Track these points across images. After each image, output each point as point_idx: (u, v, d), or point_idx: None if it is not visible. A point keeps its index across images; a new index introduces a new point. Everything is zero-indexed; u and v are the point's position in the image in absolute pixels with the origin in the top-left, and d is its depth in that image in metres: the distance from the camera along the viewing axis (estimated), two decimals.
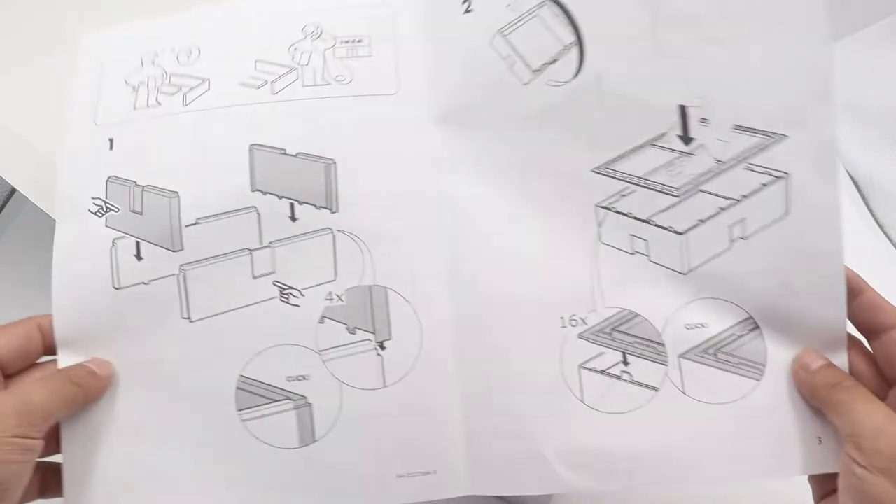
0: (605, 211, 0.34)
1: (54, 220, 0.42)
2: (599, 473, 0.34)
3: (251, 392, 0.35)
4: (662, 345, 0.34)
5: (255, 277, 0.35)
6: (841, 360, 0.33)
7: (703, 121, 0.33)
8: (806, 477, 0.35)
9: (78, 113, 0.37)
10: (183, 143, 0.36)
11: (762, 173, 0.33)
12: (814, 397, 0.33)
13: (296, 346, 0.35)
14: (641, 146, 0.34)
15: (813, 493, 0.35)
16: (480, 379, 0.35)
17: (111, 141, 0.36)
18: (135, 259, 0.35)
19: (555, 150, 0.35)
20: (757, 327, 0.34)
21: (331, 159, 0.35)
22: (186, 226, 0.35)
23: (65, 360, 0.34)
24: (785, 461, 0.33)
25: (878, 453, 0.29)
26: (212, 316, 0.35)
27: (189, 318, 0.35)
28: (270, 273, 0.35)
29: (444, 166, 0.35)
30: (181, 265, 0.35)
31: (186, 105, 0.36)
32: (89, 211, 0.35)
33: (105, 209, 0.35)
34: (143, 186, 0.35)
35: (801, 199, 0.33)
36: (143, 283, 0.35)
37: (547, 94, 0.34)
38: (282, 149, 0.35)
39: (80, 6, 0.49)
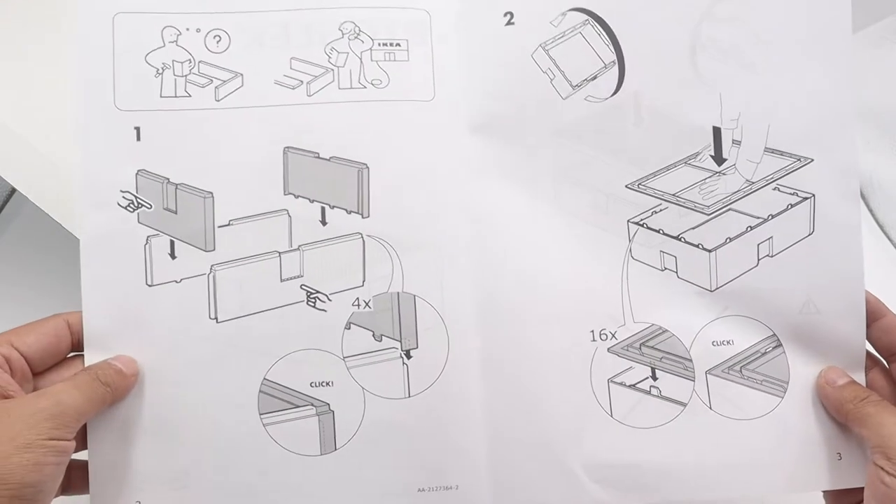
0: (637, 226, 0.35)
1: (54, 220, 0.42)
2: (627, 488, 0.34)
3: (274, 396, 0.34)
4: (690, 360, 0.35)
5: (283, 280, 0.35)
6: (860, 378, 0.35)
7: (736, 142, 0.35)
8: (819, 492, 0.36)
9: (93, 92, 0.35)
10: (216, 142, 0.35)
11: (789, 194, 0.34)
12: (840, 411, 0.34)
13: (321, 351, 0.35)
14: (675, 164, 0.35)
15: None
16: (506, 391, 0.35)
17: (138, 130, 0.35)
18: (169, 257, 0.35)
19: (589, 164, 0.35)
20: (780, 345, 0.35)
21: (364, 164, 0.35)
22: (219, 226, 0.35)
23: (92, 357, 0.34)
24: (807, 476, 0.34)
25: None
26: (239, 317, 0.35)
27: (216, 318, 0.35)
28: (298, 276, 0.35)
29: (476, 176, 0.35)
30: (212, 265, 0.35)
31: (219, 100, 0.35)
32: (119, 204, 0.35)
33: (136, 204, 0.35)
34: (177, 185, 0.35)
35: (824, 219, 0.34)
36: (175, 282, 0.35)
37: (585, 109, 0.35)
38: (315, 153, 0.35)
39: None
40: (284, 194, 0.35)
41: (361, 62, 0.36)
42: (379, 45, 0.36)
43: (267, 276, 0.35)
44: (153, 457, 0.34)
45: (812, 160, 0.34)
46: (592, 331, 0.35)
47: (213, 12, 0.36)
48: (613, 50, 0.35)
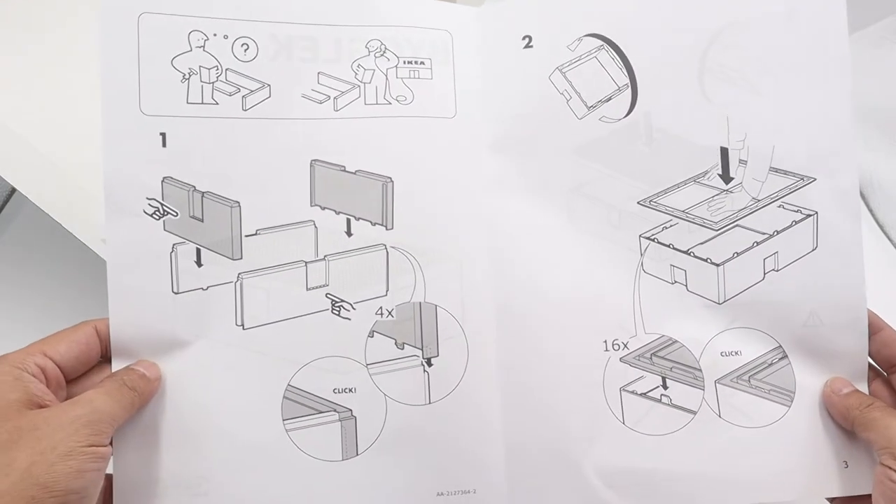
0: (649, 241, 0.36)
1: (54, 220, 0.42)
2: (639, 493, 0.35)
3: (298, 402, 0.35)
4: (700, 370, 0.36)
5: (308, 289, 0.35)
6: (863, 388, 0.36)
7: (742, 162, 0.36)
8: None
9: (118, 96, 0.34)
10: (243, 152, 0.35)
11: (793, 211, 0.36)
12: (846, 418, 0.35)
13: (344, 358, 0.35)
14: (685, 182, 0.36)
15: None
16: (523, 399, 0.35)
17: (164, 136, 0.35)
18: (195, 265, 0.35)
19: (603, 181, 0.37)
20: (786, 356, 0.36)
21: (388, 177, 0.36)
22: (246, 236, 0.35)
23: (118, 364, 0.34)
24: (814, 483, 0.35)
25: None
26: (265, 325, 0.35)
27: (243, 325, 0.35)
28: (324, 286, 0.35)
29: (495, 191, 0.36)
30: (239, 273, 0.35)
31: (246, 110, 0.35)
32: (145, 212, 0.34)
33: (162, 212, 0.35)
34: (203, 193, 0.35)
35: (827, 236, 0.36)
36: (202, 289, 0.35)
37: (599, 129, 0.37)
38: (342, 166, 0.35)
39: (81, 6, 0.49)
40: (311, 205, 0.35)
41: (387, 79, 0.36)
42: (404, 62, 0.37)
43: (293, 284, 0.35)
44: (175, 462, 0.34)
45: (815, 179, 0.36)
46: (605, 341, 0.36)
47: (241, 20, 0.35)
48: (626, 73, 0.37)
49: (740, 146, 0.36)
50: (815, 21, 0.36)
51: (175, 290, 0.35)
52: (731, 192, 0.37)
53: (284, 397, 0.35)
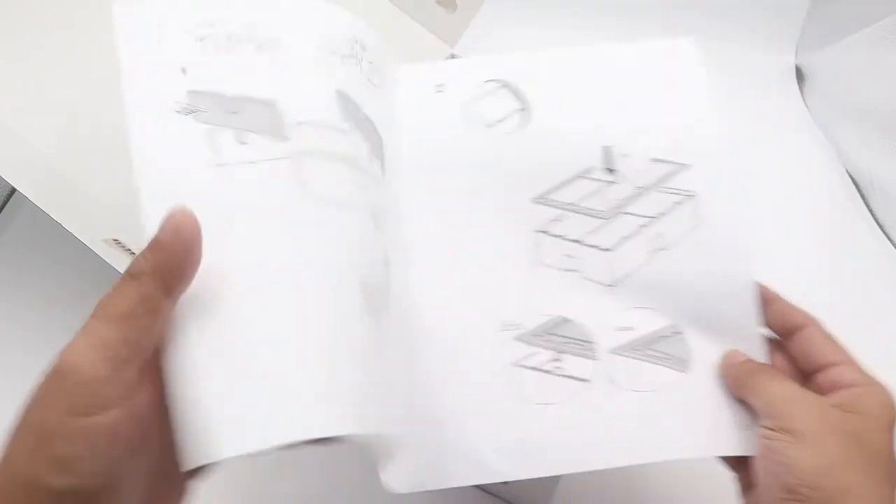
0: (543, 234, 0.39)
1: (54, 220, 0.42)
2: (535, 463, 0.35)
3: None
4: (592, 343, 0.37)
5: (358, 189, 0.34)
6: (762, 359, 0.37)
7: (624, 156, 0.39)
8: None
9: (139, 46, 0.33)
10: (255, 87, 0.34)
11: (673, 194, 0.38)
12: (736, 386, 0.35)
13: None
14: (573, 178, 0.39)
15: (738, 488, 0.36)
16: (420, 377, 0.36)
17: (183, 70, 0.32)
18: (237, 143, 0.32)
19: (497, 184, 0.39)
20: (680, 332, 0.37)
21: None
22: (293, 123, 0.33)
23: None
24: (711, 443, 0.36)
25: (787, 417, 0.32)
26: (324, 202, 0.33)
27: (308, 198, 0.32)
28: (369, 190, 0.35)
29: (407, 192, 0.39)
30: (293, 151, 0.32)
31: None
32: (174, 111, 0.32)
33: (192, 110, 0.32)
34: (233, 97, 0.33)
35: (707, 214, 0.38)
36: (251, 162, 0.32)
37: (496, 141, 0.40)
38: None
39: (82, 7, 0.49)
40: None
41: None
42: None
43: (349, 171, 0.34)
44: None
45: (691, 165, 0.38)
46: (502, 322, 0.37)
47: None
48: (520, 102, 0.40)
49: (620, 143, 0.39)
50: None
51: (218, 162, 0.31)
52: (616, 183, 0.39)
53: (356, 287, 0.32)
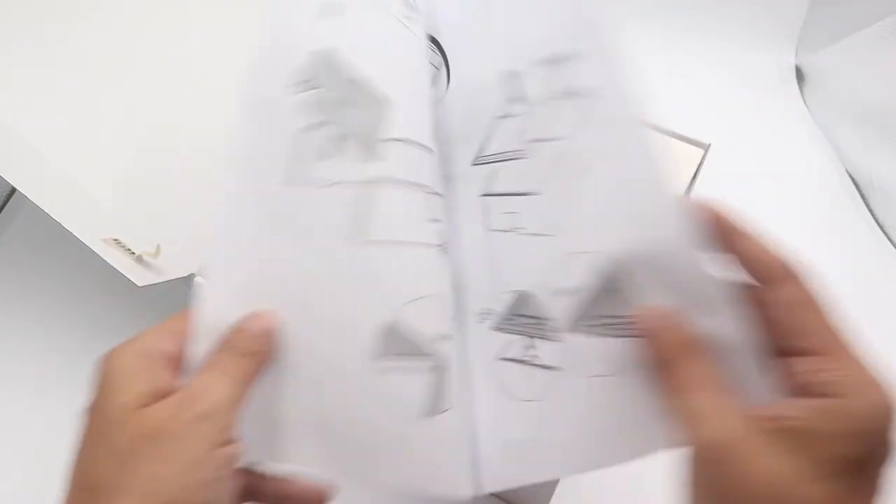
0: (487, 197, 0.35)
1: (54, 220, 0.41)
2: (532, 466, 0.31)
3: (394, 341, 0.31)
4: (550, 319, 0.32)
5: (428, 221, 0.32)
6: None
7: (516, 74, 0.34)
8: None
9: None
10: (404, 55, 0.34)
11: (576, 98, 0.32)
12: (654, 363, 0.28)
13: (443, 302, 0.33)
14: (491, 124, 0.35)
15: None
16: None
17: (325, 6, 0.32)
18: (318, 154, 0.31)
19: (444, 156, 0.36)
20: (622, 283, 0.30)
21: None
22: (388, 140, 0.31)
23: (217, 255, 0.29)
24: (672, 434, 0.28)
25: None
26: (381, 242, 0.31)
27: (357, 237, 0.31)
28: (440, 221, 0.33)
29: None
30: (369, 177, 0.31)
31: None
32: (287, 86, 0.31)
33: (306, 86, 0.31)
34: (356, 80, 0.32)
35: (617, 118, 0.30)
36: (317, 187, 0.31)
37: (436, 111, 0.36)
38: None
39: (80, 6, 0.49)
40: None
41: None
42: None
43: (417, 207, 0.32)
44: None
45: (582, 54, 0.32)
46: (478, 312, 0.34)
47: None
48: (442, 56, 0.37)
49: (518, 63, 0.34)
50: None
51: (287, 180, 0.31)
52: (531, 110, 0.33)
53: (380, 331, 0.30)
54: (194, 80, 0.50)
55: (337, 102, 0.31)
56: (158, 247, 0.43)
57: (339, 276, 0.30)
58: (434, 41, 0.37)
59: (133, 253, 0.42)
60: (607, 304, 0.30)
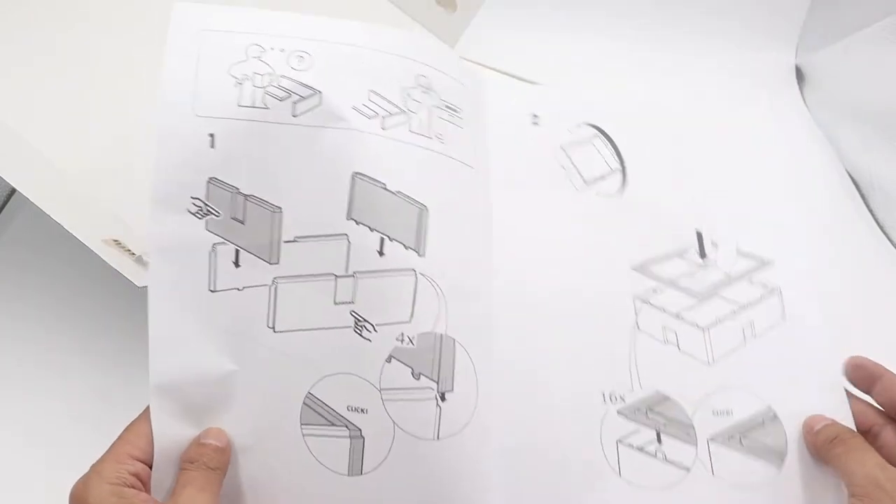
0: (642, 302, 0.40)
1: (54, 220, 0.41)
2: None
3: (315, 410, 0.35)
4: (692, 426, 0.38)
5: (335, 303, 0.35)
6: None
7: (714, 244, 0.42)
8: None
9: (174, 97, 0.35)
10: (289, 157, 0.35)
11: (759, 286, 0.41)
12: (819, 456, 0.36)
13: (360, 378, 0.35)
14: (670, 255, 0.42)
15: None
16: (524, 445, 0.36)
17: (212, 137, 0.35)
18: (233, 265, 0.35)
19: (600, 247, 0.41)
20: (776, 416, 0.38)
21: (424, 205, 0.36)
22: (285, 242, 0.35)
23: (156, 365, 0.34)
24: None
25: (868, 497, 0.32)
26: (293, 330, 0.35)
27: (273, 327, 0.35)
28: (350, 302, 0.35)
29: (510, 241, 0.40)
30: (275, 277, 0.35)
31: (296, 116, 0.35)
32: (188, 211, 0.35)
33: (206, 212, 0.35)
34: (247, 196, 0.35)
35: (792, 308, 0.41)
36: (237, 289, 0.35)
37: (596, 203, 0.42)
38: (383, 183, 0.36)
39: (80, 6, 0.49)
40: (346, 219, 0.35)
41: (430, 114, 0.38)
42: (446, 105, 0.38)
43: (323, 296, 0.35)
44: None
45: (774, 261, 0.42)
46: (604, 392, 0.38)
47: (299, 38, 0.36)
48: (618, 160, 0.43)
49: (712, 232, 0.42)
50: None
51: (212, 288, 0.35)
52: (707, 267, 0.41)
53: (304, 403, 0.35)
54: None
55: (229, 224, 0.35)
56: None
57: (263, 359, 0.35)
58: (615, 147, 0.44)
59: (133, 253, 0.42)
60: (753, 430, 0.38)
